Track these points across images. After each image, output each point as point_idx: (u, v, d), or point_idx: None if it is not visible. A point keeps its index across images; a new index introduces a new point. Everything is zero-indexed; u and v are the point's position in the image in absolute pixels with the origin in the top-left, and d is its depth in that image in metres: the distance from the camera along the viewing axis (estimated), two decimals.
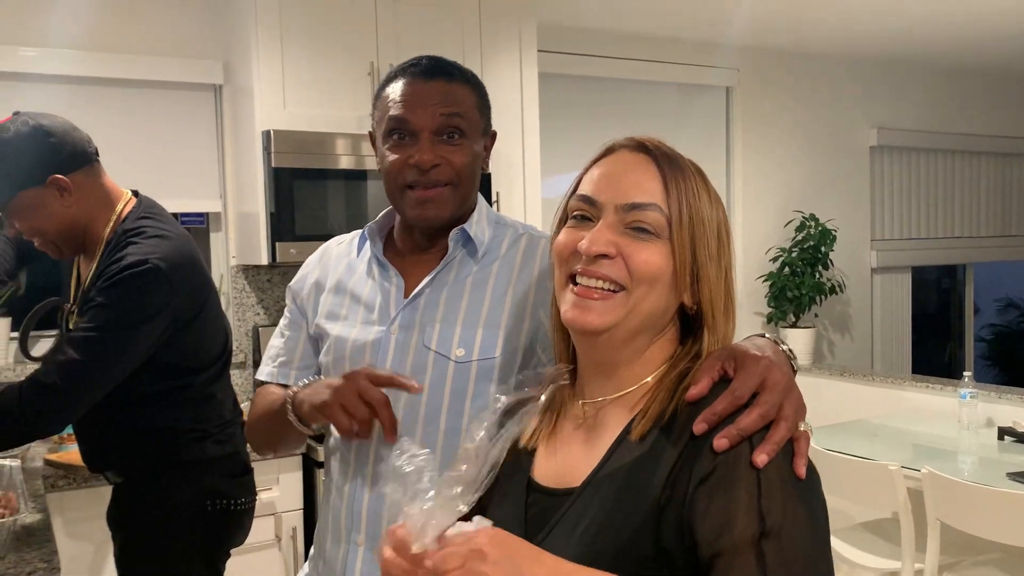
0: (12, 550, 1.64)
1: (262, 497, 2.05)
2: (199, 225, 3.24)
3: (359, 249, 1.43)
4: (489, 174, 3.23)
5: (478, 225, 1.34)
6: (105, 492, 2.14)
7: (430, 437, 1.27)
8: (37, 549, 1.67)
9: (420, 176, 1.27)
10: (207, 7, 3.16)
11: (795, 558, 0.82)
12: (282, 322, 1.50)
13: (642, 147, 0.98)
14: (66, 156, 1.80)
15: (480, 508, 1.01)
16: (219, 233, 3.26)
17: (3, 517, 1.64)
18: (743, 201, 4.52)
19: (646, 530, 0.87)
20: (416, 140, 1.28)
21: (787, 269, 4.42)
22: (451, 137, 1.28)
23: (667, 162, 0.96)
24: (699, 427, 0.87)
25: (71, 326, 1.90)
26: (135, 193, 1.96)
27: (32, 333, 2.82)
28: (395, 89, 1.30)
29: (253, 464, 2.03)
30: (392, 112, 1.29)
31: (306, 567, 1.47)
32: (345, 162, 2.99)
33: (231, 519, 1.96)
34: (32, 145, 1.76)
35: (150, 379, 1.84)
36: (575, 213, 0.97)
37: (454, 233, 1.32)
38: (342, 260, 1.45)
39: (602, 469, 0.93)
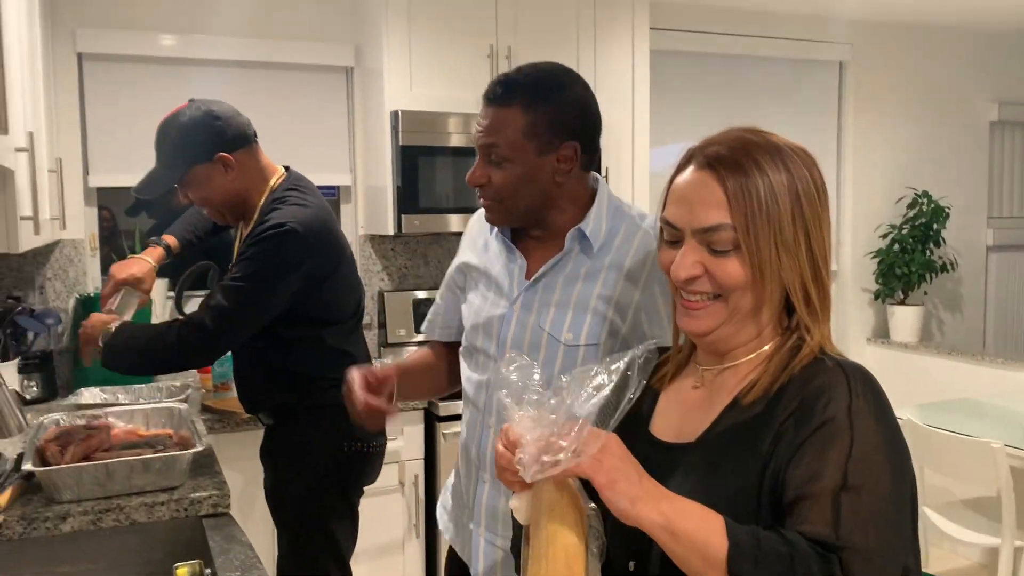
0: (189, 478, 1.92)
1: (388, 447, 2.28)
2: (331, 197, 3.50)
3: (491, 228, 1.60)
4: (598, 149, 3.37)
5: (595, 222, 1.48)
6: (252, 436, 2.42)
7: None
8: (209, 478, 1.94)
9: (478, 189, 1.50)
10: None
11: (869, 515, 0.92)
12: (442, 286, 1.75)
13: (709, 163, 1.04)
14: (230, 137, 2.06)
15: None
16: (349, 205, 3.52)
17: (182, 450, 1.92)
18: (853, 177, 4.50)
19: (751, 480, 0.99)
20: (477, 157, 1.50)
21: (897, 246, 4.38)
22: (491, 160, 1.46)
23: (732, 173, 1.02)
24: None
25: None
26: (287, 169, 2.21)
27: (186, 293, 3.15)
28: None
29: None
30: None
31: (448, 489, 1.72)
32: (457, 140, 3.18)
33: (364, 460, 2.20)
34: (203, 127, 2.04)
35: (291, 327, 2.09)
36: (666, 236, 1.09)
37: (571, 232, 1.47)
38: (479, 238, 1.65)
39: (717, 426, 1.06)
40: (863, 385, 0.99)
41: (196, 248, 2.45)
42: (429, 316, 1.79)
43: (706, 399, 1.10)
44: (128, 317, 2.22)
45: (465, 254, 1.68)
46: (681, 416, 1.12)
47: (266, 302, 2.01)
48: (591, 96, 1.49)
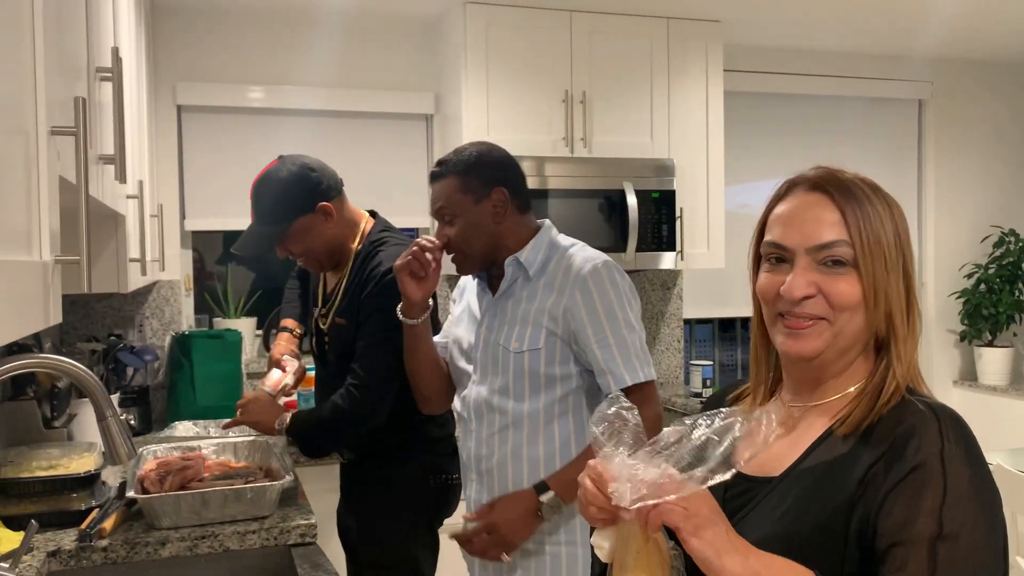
0: (278, 508, 2.00)
1: None
2: (411, 238, 3.61)
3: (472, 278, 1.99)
4: (673, 191, 3.40)
5: (531, 252, 1.85)
6: (328, 470, 2.49)
7: (478, 409, 1.88)
8: (296, 509, 2.01)
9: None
10: (422, 45, 3.53)
11: (966, 564, 0.91)
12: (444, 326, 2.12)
13: (818, 185, 1.06)
14: (325, 187, 2.17)
15: None
16: None
17: (272, 481, 2.00)
18: (935, 216, 4.41)
19: (838, 519, 0.98)
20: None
21: (983, 286, 4.27)
22: (445, 221, 1.85)
23: (842, 194, 1.04)
24: None
25: (323, 326, 2.27)
26: (372, 213, 2.31)
27: (273, 332, 3.29)
28: None
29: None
30: None
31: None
32: (530, 182, 3.23)
33: (447, 491, 2.25)
34: (302, 181, 2.14)
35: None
36: (771, 257, 1.08)
37: (509, 259, 1.84)
38: (467, 288, 2.04)
39: (803, 462, 1.05)
40: (954, 428, 0.97)
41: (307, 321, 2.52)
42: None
43: (792, 435, 1.09)
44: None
45: (458, 301, 2.07)
46: (766, 453, 1.09)
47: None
48: (509, 156, 1.90)
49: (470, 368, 1.93)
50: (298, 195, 2.13)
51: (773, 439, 0.99)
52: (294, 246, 2.18)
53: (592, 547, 1.05)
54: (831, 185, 1.05)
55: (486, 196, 1.82)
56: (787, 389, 1.13)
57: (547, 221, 1.94)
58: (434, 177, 1.88)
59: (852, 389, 1.06)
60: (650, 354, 1.84)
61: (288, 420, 2.22)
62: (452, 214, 1.84)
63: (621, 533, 1.00)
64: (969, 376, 4.42)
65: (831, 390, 1.08)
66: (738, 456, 0.96)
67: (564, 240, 1.90)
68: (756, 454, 0.99)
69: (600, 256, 1.83)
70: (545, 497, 1.77)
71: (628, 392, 1.67)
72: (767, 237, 1.08)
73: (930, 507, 0.92)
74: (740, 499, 1.09)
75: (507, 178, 1.86)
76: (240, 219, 3.32)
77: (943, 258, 4.41)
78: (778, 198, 1.10)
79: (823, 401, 1.08)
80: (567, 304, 1.78)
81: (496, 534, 1.79)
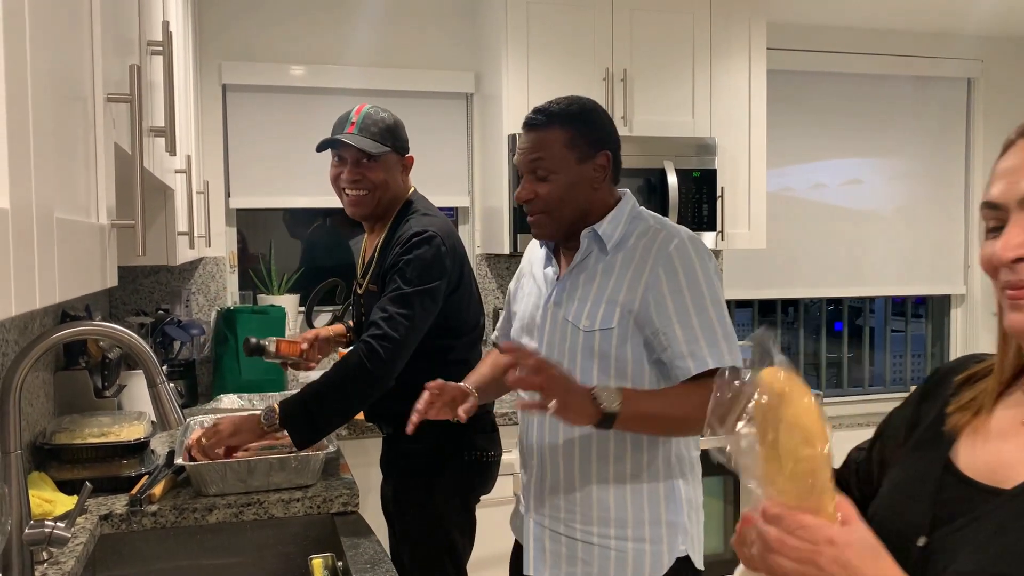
0: (321, 479, 2.04)
1: (505, 458, 2.34)
2: (450, 218, 3.63)
3: (540, 245, 1.87)
4: (714, 170, 3.38)
5: (609, 224, 1.70)
6: (371, 444, 2.53)
7: None
8: (339, 479, 2.06)
9: (526, 207, 1.73)
10: (462, 24, 3.54)
11: None
12: (506, 301, 2.03)
13: None
14: (406, 142, 2.27)
15: (879, 465, 1.04)
16: (466, 225, 3.64)
17: (315, 451, 2.04)
18: (984, 195, 4.31)
19: None
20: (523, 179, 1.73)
21: None
22: (537, 175, 1.68)
23: None
24: None
25: (360, 291, 2.31)
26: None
27: (315, 308, 3.34)
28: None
29: (500, 427, 2.33)
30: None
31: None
32: None
33: (483, 468, 2.27)
34: (403, 129, 2.26)
35: (423, 338, 2.15)
36: (989, 224, 0.91)
37: (585, 232, 1.70)
38: (538, 250, 1.90)
39: None
40: None
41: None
42: (499, 324, 2.05)
43: None
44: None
45: (522, 271, 1.95)
46: (996, 452, 0.89)
47: (432, 305, 2.11)
48: (611, 118, 1.76)
49: (533, 344, 1.78)
50: (402, 137, 2.25)
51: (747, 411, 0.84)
52: (376, 171, 2.19)
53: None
54: None
55: (591, 157, 1.68)
56: None
57: (627, 192, 1.78)
58: (533, 125, 1.70)
59: None
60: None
61: (277, 406, 2.00)
62: (549, 169, 1.67)
63: None
64: None
65: None
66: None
67: (646, 214, 1.75)
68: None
69: (686, 231, 1.69)
70: (602, 388, 1.54)
71: (710, 375, 1.53)
72: (984, 199, 0.91)
73: None
74: (956, 506, 0.88)
75: (613, 139, 1.72)
76: (283, 197, 3.40)
77: None
78: (1004, 151, 0.92)
79: None
80: (648, 280, 1.62)
81: (551, 380, 1.49)
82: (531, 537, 1.80)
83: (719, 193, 3.40)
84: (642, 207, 1.77)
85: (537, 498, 1.79)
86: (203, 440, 1.98)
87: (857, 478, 1.08)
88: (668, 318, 1.60)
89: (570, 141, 1.67)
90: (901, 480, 0.96)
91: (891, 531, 0.88)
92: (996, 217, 0.88)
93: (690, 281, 1.61)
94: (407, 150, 2.26)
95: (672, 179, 3.29)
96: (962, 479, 0.89)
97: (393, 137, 2.21)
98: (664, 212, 3.30)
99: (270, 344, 2.33)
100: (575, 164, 1.67)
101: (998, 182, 0.89)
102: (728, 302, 4.02)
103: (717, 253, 3.88)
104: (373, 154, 2.16)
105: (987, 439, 0.90)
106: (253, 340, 2.31)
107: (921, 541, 0.88)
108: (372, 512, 2.42)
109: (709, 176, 3.38)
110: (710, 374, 1.54)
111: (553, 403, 1.46)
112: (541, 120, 1.69)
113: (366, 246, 2.36)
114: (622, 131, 3.30)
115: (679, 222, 3.33)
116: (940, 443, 0.94)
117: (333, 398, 2.01)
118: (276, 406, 1.99)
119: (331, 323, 3.19)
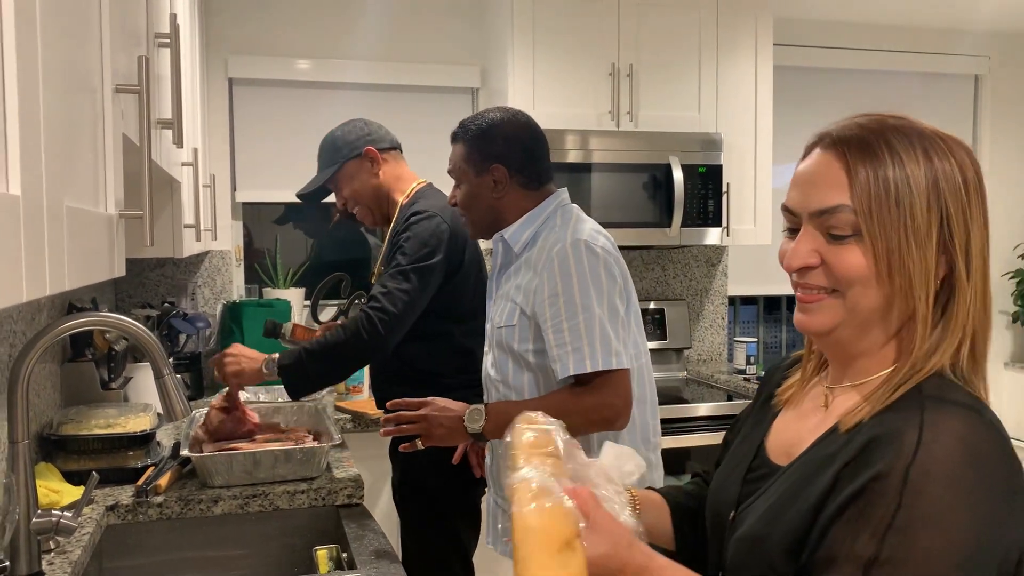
0: (326, 470, 2.05)
1: None
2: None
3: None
4: (720, 166, 3.37)
5: (517, 229, 1.84)
6: (379, 437, 2.53)
7: (487, 381, 1.92)
8: (344, 471, 2.06)
9: None
10: (468, 19, 3.54)
11: None
12: None
13: (838, 141, 0.93)
14: (375, 137, 2.33)
15: (724, 446, 1.19)
16: None
17: (320, 444, 2.05)
18: (989, 194, 4.23)
19: (804, 525, 0.88)
20: None
21: None
22: (456, 184, 1.90)
23: (856, 152, 0.91)
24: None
25: (373, 280, 2.36)
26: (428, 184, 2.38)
27: (320, 302, 3.35)
28: None
29: None
30: None
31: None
32: (574, 156, 3.25)
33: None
34: (354, 129, 2.33)
35: (425, 320, 2.18)
36: (786, 224, 0.98)
37: (496, 236, 1.87)
38: None
39: (806, 454, 0.94)
40: (950, 438, 0.82)
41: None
42: None
43: (820, 420, 0.98)
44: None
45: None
46: (796, 432, 1.01)
47: (432, 281, 2.15)
48: (524, 130, 1.85)
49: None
50: (349, 141, 2.31)
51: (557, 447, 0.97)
52: (345, 189, 2.33)
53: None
54: (848, 144, 0.92)
55: (485, 171, 1.84)
56: (831, 367, 1.03)
57: (560, 193, 1.88)
58: (451, 139, 1.92)
59: (884, 373, 0.93)
60: (617, 341, 1.71)
61: (278, 357, 2.09)
62: (457, 179, 1.90)
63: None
64: (1021, 358, 4.33)
65: (860, 372, 0.96)
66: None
67: (564, 215, 1.82)
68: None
69: (578, 235, 1.72)
70: (471, 408, 1.77)
71: (588, 379, 1.67)
72: (784, 202, 0.97)
73: (875, 526, 0.81)
74: (757, 483, 1.01)
75: (509, 155, 1.83)
76: (289, 191, 3.40)
77: (997, 238, 4.30)
78: (805, 153, 0.98)
79: (859, 382, 0.95)
80: (536, 284, 1.73)
81: (423, 422, 1.78)
82: (493, 517, 1.98)
83: (725, 189, 3.40)
84: (574, 206, 1.87)
85: (494, 480, 1.96)
86: (216, 358, 2.12)
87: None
88: (545, 321, 1.72)
89: (467, 156, 1.86)
90: (726, 464, 1.12)
91: (715, 509, 1.08)
92: (792, 220, 0.97)
93: (564, 286, 1.70)
94: (356, 149, 2.31)
95: (677, 174, 3.28)
96: (764, 459, 1.03)
97: (333, 151, 2.32)
98: (669, 208, 3.30)
99: (287, 328, 2.35)
100: (473, 176, 1.85)
101: (793, 189, 0.97)
102: (733, 298, 4.06)
103: (722, 249, 3.88)
104: (326, 185, 2.34)
105: (792, 422, 1.04)
106: (272, 322, 2.33)
107: (731, 515, 1.03)
108: (384, 504, 2.43)
109: (715, 171, 3.38)
110: (591, 377, 1.68)
111: (418, 439, 1.79)
112: (454, 134, 1.91)
113: (384, 241, 2.40)
114: (627, 126, 3.32)
115: (684, 218, 3.38)
116: (759, 429, 1.08)
117: (327, 360, 2.09)
118: (277, 356, 2.10)
119: (335, 318, 3.20)
